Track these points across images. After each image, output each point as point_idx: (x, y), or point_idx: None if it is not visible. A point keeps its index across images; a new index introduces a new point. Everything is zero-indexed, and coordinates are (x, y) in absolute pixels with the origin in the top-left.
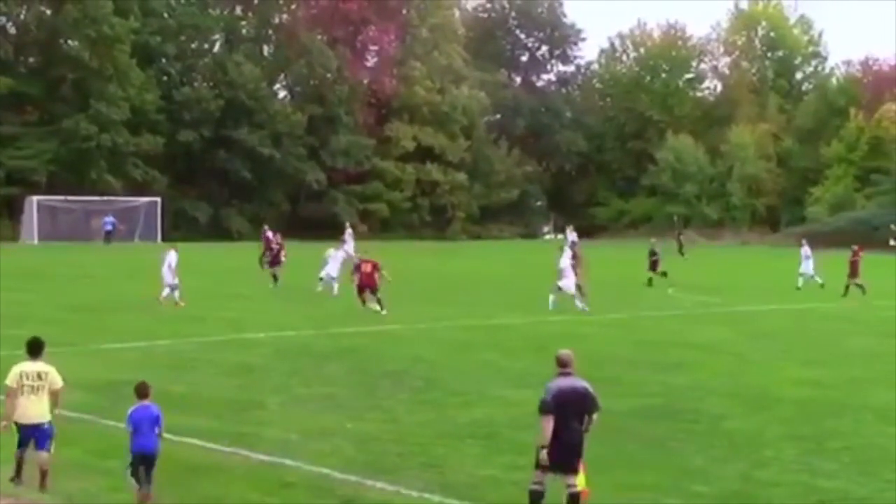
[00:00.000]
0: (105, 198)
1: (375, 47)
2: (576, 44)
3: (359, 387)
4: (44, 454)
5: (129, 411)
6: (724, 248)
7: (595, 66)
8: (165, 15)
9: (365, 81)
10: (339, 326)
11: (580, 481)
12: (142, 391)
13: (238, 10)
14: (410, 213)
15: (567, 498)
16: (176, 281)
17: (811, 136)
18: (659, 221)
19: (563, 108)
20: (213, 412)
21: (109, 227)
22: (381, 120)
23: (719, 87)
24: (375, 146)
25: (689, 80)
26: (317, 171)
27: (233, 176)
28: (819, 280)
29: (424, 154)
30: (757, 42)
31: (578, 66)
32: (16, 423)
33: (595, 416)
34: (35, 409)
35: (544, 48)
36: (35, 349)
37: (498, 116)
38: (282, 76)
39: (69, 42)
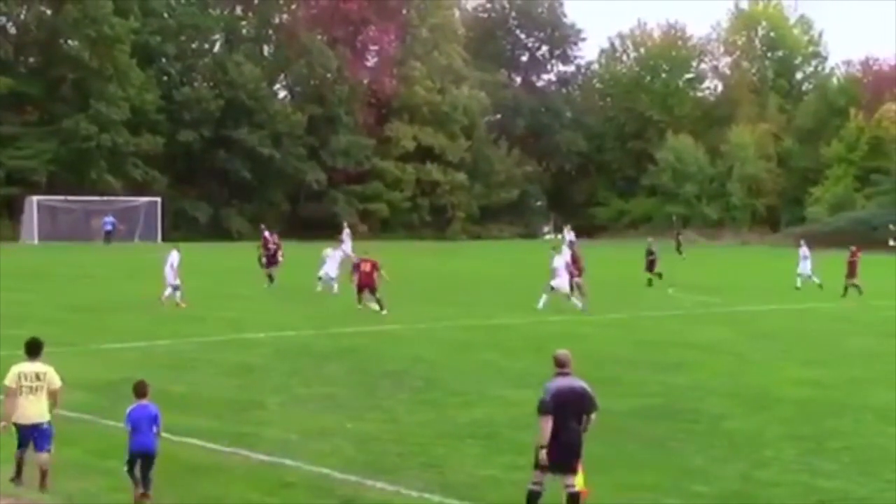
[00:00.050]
0: (105, 198)
1: (375, 47)
2: (576, 44)
3: (359, 387)
4: (44, 454)
5: (128, 410)
6: (724, 248)
7: (595, 66)
8: (165, 15)
9: (365, 81)
10: (339, 326)
11: (579, 481)
12: (140, 390)
13: (238, 10)
14: (410, 213)
15: (566, 498)
16: (178, 281)
17: (811, 136)
18: (659, 221)
19: (563, 108)
20: (213, 412)
21: (109, 227)
22: (381, 120)
23: (719, 87)
24: (375, 146)
25: (690, 80)
26: (317, 171)
27: (233, 176)
28: (816, 280)
29: (424, 154)
30: (757, 42)
31: (578, 66)
32: (15, 424)
33: (593, 416)
34: (34, 410)
35: (544, 48)
36: (33, 349)
37: (498, 116)
38: (282, 76)
39: (69, 42)
